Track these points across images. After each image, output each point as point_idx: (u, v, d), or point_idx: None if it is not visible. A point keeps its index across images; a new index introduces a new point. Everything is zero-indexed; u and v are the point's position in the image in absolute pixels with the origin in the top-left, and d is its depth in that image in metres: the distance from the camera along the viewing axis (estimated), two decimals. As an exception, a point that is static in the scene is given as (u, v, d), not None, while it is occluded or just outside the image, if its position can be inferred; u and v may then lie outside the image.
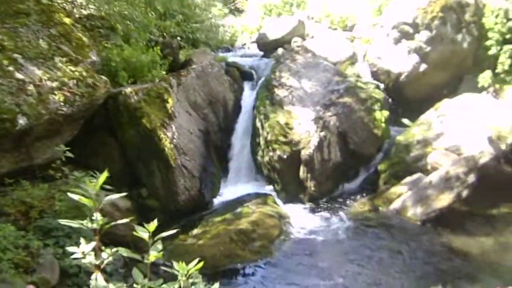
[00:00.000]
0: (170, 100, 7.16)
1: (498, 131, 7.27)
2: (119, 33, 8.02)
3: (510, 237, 6.04)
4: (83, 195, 1.89)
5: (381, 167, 7.89)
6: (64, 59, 5.84)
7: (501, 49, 8.29)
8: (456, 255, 5.71)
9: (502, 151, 7.25)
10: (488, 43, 8.49)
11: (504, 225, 6.32)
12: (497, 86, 8.21)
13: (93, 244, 1.91)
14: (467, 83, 9.04)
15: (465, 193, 6.44)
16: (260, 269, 5.67)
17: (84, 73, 5.96)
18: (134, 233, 1.93)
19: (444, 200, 6.43)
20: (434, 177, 6.77)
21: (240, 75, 9.61)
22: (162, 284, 1.95)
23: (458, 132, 7.44)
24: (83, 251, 1.88)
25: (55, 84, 5.49)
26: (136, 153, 6.95)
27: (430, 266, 5.48)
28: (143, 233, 1.91)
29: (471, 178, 6.48)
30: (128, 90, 6.77)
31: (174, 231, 2.05)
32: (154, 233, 1.95)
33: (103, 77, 6.34)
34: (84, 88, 5.79)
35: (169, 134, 6.89)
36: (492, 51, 8.36)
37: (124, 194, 2.12)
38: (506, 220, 6.43)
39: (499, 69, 8.26)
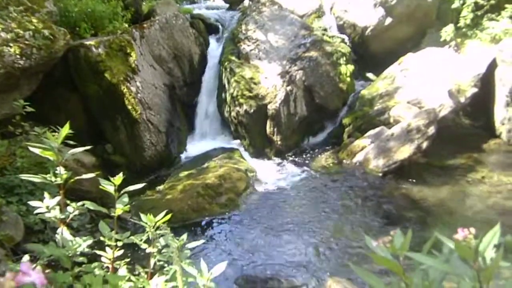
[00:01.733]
0: (133, 54, 6.95)
1: (458, 85, 7.47)
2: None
3: (465, 186, 6.33)
4: (45, 149, 1.82)
5: (345, 120, 8.01)
6: (19, 8, 5.53)
7: (464, 3, 8.32)
8: (415, 203, 5.97)
9: (461, 104, 7.49)
10: (451, -4, 8.52)
11: (460, 175, 6.61)
12: (459, 40, 8.31)
13: (57, 198, 1.87)
14: (430, 37, 9.14)
15: (425, 144, 6.65)
16: (228, 221, 5.78)
17: (41, 24, 5.67)
18: (100, 187, 1.91)
19: (404, 152, 6.63)
20: (396, 129, 6.94)
21: (205, 28, 9.39)
22: (129, 236, 1.96)
23: (420, 86, 7.60)
24: (47, 205, 1.83)
25: (10, 35, 5.22)
26: (99, 109, 6.79)
27: (390, 214, 5.73)
28: (109, 186, 1.89)
29: (431, 130, 6.68)
30: (89, 42, 6.51)
31: (141, 185, 2.03)
32: (120, 189, 1.94)
33: (61, 28, 6.05)
34: (41, 40, 5.52)
35: (133, 89, 6.74)
36: (455, 4, 8.39)
37: (88, 147, 2.07)
38: (461, 170, 6.72)
39: (461, 23, 8.33)
